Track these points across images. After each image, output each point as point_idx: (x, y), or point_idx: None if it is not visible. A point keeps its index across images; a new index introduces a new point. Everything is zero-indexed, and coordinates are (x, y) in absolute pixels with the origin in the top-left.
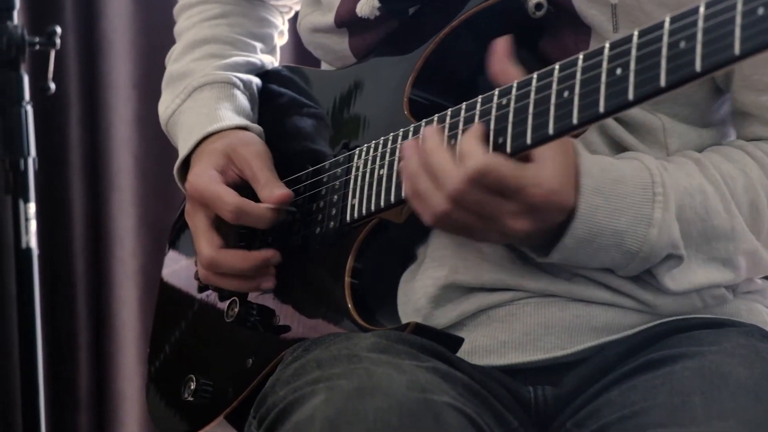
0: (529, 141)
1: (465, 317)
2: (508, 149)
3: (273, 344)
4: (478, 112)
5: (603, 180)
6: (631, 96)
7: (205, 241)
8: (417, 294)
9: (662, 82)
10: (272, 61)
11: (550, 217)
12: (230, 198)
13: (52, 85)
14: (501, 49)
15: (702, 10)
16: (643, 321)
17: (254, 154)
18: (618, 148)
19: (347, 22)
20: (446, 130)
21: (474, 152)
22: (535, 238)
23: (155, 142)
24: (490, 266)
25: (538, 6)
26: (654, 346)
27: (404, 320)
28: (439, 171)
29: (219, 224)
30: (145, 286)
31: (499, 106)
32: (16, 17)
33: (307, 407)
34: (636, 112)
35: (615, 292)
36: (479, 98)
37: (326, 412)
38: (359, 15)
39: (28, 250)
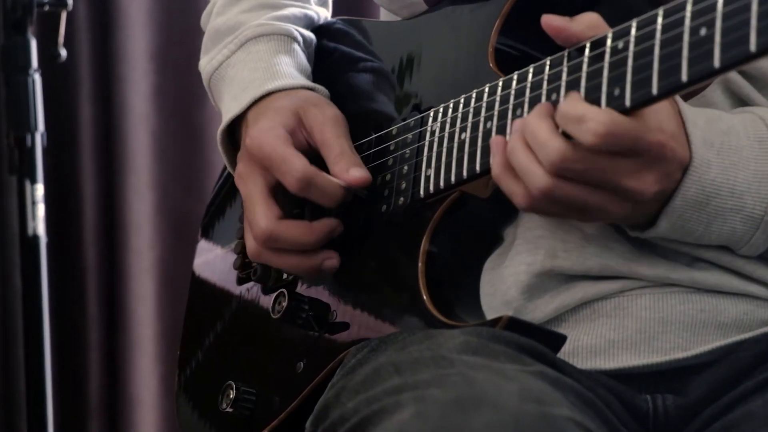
0: (655, 91)
1: (565, 311)
2: (627, 102)
3: (329, 345)
4: (586, 60)
5: (711, 131)
6: None
7: (263, 210)
8: (506, 283)
9: None
10: (326, 15)
11: (672, 169)
12: (300, 164)
13: (63, 52)
14: (553, 25)
15: None
16: None
17: (330, 119)
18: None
19: None
20: (546, 86)
21: (590, 112)
22: (654, 205)
23: (175, 119)
24: (595, 249)
25: None
26: None
27: (489, 315)
28: (539, 140)
29: (276, 193)
30: (164, 280)
31: (615, 51)
32: None
33: (392, 424)
34: (766, 65)
35: (747, 279)
36: (588, 43)
37: (420, 430)
38: None
39: (35, 237)
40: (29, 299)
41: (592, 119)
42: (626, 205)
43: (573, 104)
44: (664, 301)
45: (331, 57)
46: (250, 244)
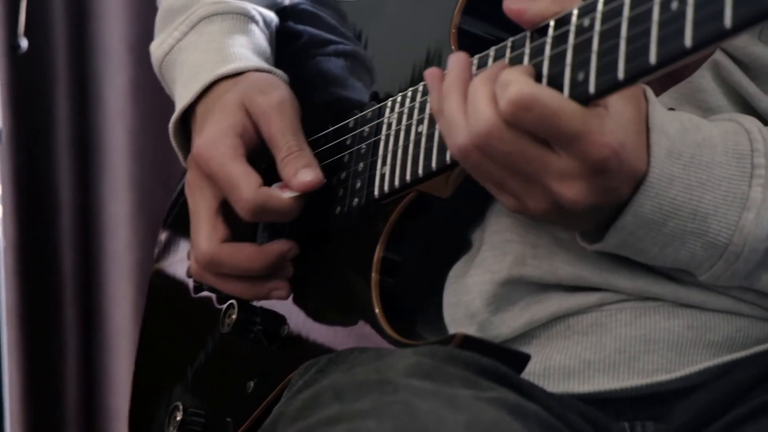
0: (621, 75)
1: (536, 326)
2: (592, 88)
3: (280, 362)
4: (549, 41)
5: (684, 141)
6: None
7: (206, 231)
8: (470, 294)
9: None
10: None
11: (615, 185)
12: (248, 192)
13: (24, 42)
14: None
15: None
16: None
17: (275, 107)
18: (737, 99)
19: None
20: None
21: (517, 80)
22: (590, 217)
23: (154, 116)
24: (567, 256)
25: None
26: None
27: (452, 329)
28: (475, 104)
29: (227, 207)
30: (142, 284)
31: (580, 30)
32: None
33: None
34: (762, 52)
35: (736, 299)
36: (552, 21)
37: None
38: None
39: None
40: None
41: (514, 84)
42: (549, 206)
43: (510, 71)
44: (647, 317)
45: (297, 40)
46: (193, 264)
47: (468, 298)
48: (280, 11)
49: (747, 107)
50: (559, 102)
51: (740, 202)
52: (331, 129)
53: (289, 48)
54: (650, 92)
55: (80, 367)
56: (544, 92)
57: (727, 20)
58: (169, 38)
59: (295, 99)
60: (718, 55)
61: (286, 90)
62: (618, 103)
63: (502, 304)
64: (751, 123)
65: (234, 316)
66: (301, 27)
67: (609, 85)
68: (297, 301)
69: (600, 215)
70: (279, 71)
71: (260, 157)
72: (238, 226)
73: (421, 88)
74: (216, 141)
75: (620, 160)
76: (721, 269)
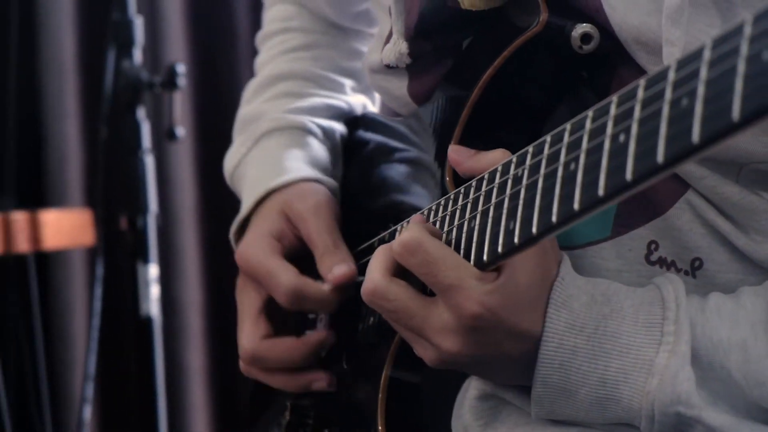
0: (534, 230)
1: None
2: (516, 239)
3: None
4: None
5: (587, 315)
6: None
7: (248, 330)
8: (464, 407)
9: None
10: (364, 103)
11: (494, 339)
12: (286, 278)
13: (180, 131)
14: (453, 156)
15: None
16: None
17: (312, 210)
18: (714, 236)
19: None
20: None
21: (412, 228)
22: (497, 371)
23: None
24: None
25: (585, 38)
26: None
27: None
28: (372, 262)
29: (273, 306)
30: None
31: (516, 179)
32: (137, 55)
33: None
34: (732, 191)
35: None
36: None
37: None
38: (385, 63)
39: (149, 319)
40: (145, 382)
41: (408, 231)
42: (437, 357)
43: (412, 224)
44: None
45: (364, 148)
46: (240, 362)
47: (462, 411)
48: (353, 120)
49: (725, 243)
50: (442, 251)
51: (647, 369)
52: (385, 233)
53: (356, 155)
54: (565, 266)
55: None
56: (429, 241)
57: (659, 157)
58: (237, 153)
59: (334, 203)
60: (691, 195)
61: (323, 195)
62: (510, 271)
63: (490, 420)
64: (669, 290)
65: (287, 416)
66: (369, 135)
67: (508, 249)
68: (330, 407)
69: (508, 372)
70: (327, 179)
71: (303, 259)
72: (286, 323)
73: (452, 196)
74: (254, 242)
75: (497, 318)
76: (647, 429)
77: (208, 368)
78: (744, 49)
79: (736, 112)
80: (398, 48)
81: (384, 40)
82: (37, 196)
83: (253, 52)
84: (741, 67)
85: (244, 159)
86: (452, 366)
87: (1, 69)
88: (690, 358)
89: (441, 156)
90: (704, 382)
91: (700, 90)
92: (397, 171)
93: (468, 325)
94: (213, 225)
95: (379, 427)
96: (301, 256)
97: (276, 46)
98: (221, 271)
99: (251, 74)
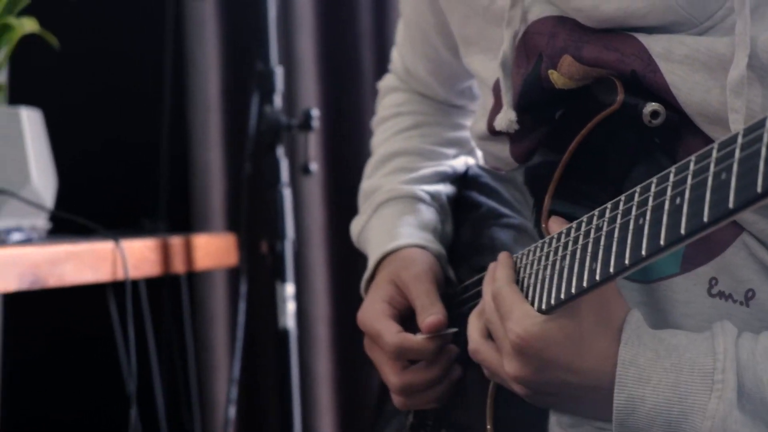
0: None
1: None
2: (543, 305)
3: None
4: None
5: (653, 369)
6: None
7: (389, 371)
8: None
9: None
10: (465, 161)
11: (541, 365)
12: (390, 337)
13: (314, 167)
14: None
15: None
16: None
17: (414, 278)
18: (766, 270)
19: (496, 131)
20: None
21: (500, 277)
22: (565, 398)
23: None
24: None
25: (654, 114)
26: None
27: None
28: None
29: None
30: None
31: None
32: (277, 101)
33: None
34: None
35: None
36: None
37: None
38: (497, 129)
39: (286, 331)
40: (281, 386)
41: (497, 280)
42: (510, 386)
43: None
44: None
45: (477, 210)
46: (394, 399)
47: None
48: (461, 178)
49: None
50: (507, 289)
51: (702, 413)
52: (478, 276)
53: (468, 216)
54: (632, 325)
55: None
56: (505, 287)
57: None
58: (360, 221)
59: (433, 269)
60: (745, 236)
61: (426, 264)
62: (568, 311)
63: (577, 422)
64: (720, 342)
65: (411, 419)
66: (482, 199)
67: (567, 297)
68: (447, 406)
69: (581, 408)
70: (432, 244)
71: (413, 318)
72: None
73: (517, 256)
74: (368, 307)
75: (535, 349)
76: None
77: (334, 374)
78: None
79: None
80: (508, 116)
81: (487, 111)
82: (186, 221)
83: (374, 94)
84: None
85: (366, 225)
86: (533, 398)
87: (155, 109)
88: (737, 403)
89: (538, 205)
90: (755, 420)
91: (763, 152)
92: (504, 234)
93: (515, 348)
94: (340, 248)
95: (488, 426)
96: (412, 316)
97: (390, 128)
98: (346, 288)
99: (372, 114)
